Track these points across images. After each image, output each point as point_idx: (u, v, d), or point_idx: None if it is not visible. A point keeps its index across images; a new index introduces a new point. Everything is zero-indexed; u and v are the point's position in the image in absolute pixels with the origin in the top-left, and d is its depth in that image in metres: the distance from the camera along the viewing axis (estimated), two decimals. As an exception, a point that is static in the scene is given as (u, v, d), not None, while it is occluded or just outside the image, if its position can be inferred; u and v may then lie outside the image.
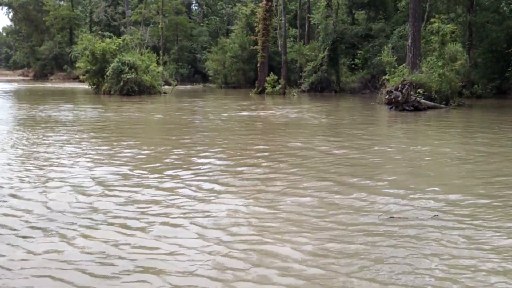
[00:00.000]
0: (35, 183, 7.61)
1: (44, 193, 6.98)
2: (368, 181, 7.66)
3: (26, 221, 5.80)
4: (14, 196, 6.86)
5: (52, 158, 9.56)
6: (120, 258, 4.74)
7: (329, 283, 4.18)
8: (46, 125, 15.18)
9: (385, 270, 4.41)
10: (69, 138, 12.28)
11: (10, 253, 4.85)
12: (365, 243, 5.05)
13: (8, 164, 8.99)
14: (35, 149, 10.59)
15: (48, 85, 51.50)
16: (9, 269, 4.49)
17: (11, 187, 7.31)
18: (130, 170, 8.51)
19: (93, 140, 12.29)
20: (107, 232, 5.43)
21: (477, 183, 7.53)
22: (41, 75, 71.35)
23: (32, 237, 5.29)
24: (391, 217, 5.84)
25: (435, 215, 5.89)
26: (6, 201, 6.58)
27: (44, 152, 10.22)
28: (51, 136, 12.64)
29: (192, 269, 4.48)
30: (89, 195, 6.88)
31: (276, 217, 5.93)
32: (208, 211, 6.15)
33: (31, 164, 9.05)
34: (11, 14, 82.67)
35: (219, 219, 5.85)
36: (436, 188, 7.15)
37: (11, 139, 12.19)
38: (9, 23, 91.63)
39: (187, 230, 5.52)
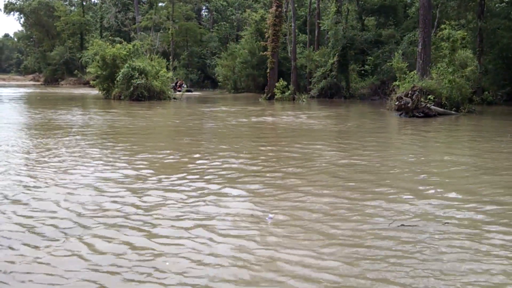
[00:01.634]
0: (52, 185, 7.67)
1: (63, 194, 7.05)
2: (378, 189, 7.64)
3: (51, 224, 5.91)
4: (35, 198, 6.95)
5: (71, 161, 9.62)
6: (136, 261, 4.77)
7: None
8: (59, 130, 15.27)
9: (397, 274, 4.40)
10: (94, 143, 12.36)
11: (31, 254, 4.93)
12: (374, 248, 5.05)
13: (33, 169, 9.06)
14: (49, 154, 10.66)
15: (58, 90, 51.86)
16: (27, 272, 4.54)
17: (31, 190, 7.37)
18: (146, 172, 8.55)
19: (111, 144, 12.36)
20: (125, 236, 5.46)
21: (488, 192, 7.47)
22: (51, 80, 71.89)
23: (55, 239, 5.34)
24: (401, 225, 5.82)
25: (446, 223, 5.87)
26: (30, 204, 6.65)
27: (61, 156, 10.30)
28: (68, 141, 12.72)
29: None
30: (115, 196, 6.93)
31: (289, 224, 5.93)
32: (222, 214, 6.17)
33: (48, 167, 9.11)
34: (22, 20, 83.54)
35: (233, 223, 5.87)
36: (448, 196, 7.12)
37: (36, 145, 12.28)
38: (21, 28, 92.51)
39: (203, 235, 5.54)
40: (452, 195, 7.19)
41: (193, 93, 43.75)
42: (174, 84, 42.13)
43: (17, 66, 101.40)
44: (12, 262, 4.79)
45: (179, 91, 40.10)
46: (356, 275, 4.50)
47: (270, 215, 5.99)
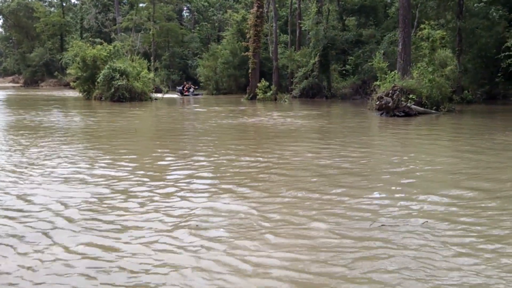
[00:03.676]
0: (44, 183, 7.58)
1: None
2: (358, 190, 7.67)
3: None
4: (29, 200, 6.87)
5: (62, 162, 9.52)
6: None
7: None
8: (37, 131, 15.11)
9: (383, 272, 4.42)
10: (88, 145, 12.23)
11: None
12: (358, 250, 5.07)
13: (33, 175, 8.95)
14: (32, 155, 10.54)
15: (38, 92, 51.29)
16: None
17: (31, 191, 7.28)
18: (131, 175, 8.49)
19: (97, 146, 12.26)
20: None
21: (467, 190, 7.54)
22: (31, 82, 71.20)
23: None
24: (382, 225, 5.84)
25: (424, 222, 5.91)
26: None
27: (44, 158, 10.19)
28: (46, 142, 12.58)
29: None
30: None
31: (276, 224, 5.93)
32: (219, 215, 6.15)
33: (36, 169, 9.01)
34: (1, 21, 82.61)
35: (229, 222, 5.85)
36: (426, 196, 7.18)
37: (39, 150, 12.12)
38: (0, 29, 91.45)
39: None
40: (432, 194, 7.24)
41: (199, 96, 42.62)
42: (181, 87, 41.83)
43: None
44: None
45: (187, 95, 39.92)
46: (340, 275, 4.51)
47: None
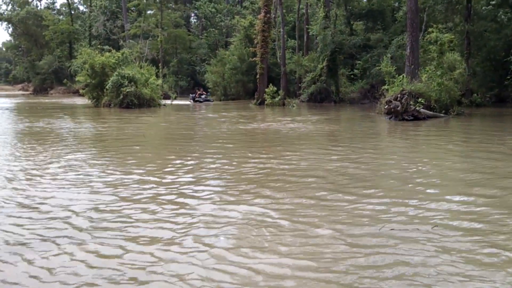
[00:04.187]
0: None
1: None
2: (368, 193, 7.63)
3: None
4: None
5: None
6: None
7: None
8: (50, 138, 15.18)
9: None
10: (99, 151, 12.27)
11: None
12: (369, 253, 5.03)
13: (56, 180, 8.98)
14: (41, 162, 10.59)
15: (48, 100, 51.62)
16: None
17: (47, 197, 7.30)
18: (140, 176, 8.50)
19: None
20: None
21: (478, 195, 7.48)
22: (41, 90, 71.70)
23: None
24: (392, 229, 5.80)
25: (434, 226, 5.86)
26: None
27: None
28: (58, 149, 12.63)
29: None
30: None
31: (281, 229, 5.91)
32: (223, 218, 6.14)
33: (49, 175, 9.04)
34: (10, 29, 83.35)
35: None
36: (436, 200, 7.13)
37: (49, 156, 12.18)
38: (9, 38, 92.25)
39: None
40: (443, 198, 7.19)
41: (210, 102, 42.58)
42: (194, 95, 42.00)
43: (6, 76, 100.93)
44: None
45: (199, 101, 40.04)
46: (350, 281, 4.48)
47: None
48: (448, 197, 7.27)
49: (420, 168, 9.72)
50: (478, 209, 6.68)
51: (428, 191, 7.76)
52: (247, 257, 5.08)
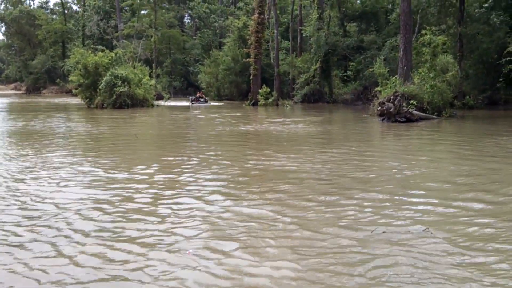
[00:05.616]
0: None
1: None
2: (359, 196, 7.65)
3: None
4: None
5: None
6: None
7: None
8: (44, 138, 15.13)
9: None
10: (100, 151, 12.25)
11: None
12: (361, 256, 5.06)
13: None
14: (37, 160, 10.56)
15: (40, 99, 51.39)
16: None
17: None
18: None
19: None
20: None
21: (469, 197, 7.53)
22: (33, 89, 71.39)
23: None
24: (383, 232, 5.83)
25: (426, 229, 5.89)
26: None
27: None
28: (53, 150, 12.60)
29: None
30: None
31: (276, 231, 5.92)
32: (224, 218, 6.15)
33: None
34: (3, 29, 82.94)
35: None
36: (428, 202, 7.17)
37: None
38: (2, 37, 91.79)
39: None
40: (434, 201, 7.23)
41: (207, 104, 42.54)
42: (194, 97, 41.91)
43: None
44: None
45: (197, 102, 39.95)
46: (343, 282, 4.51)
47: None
48: (439, 199, 7.31)
49: (411, 169, 9.76)
50: (471, 210, 6.73)
51: (420, 192, 7.80)
52: (241, 259, 5.10)
